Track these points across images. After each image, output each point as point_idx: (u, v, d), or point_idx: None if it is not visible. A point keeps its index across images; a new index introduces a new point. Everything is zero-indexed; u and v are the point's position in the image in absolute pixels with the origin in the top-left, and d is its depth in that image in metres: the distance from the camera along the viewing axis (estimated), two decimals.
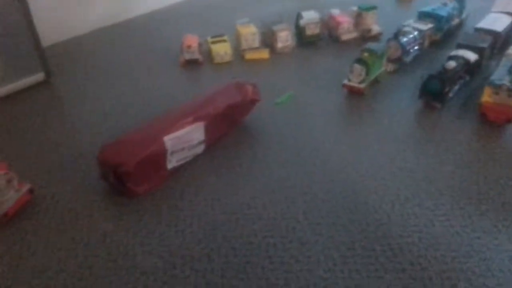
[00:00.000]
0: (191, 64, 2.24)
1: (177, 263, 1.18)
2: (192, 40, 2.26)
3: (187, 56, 2.23)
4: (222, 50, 2.25)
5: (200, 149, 1.55)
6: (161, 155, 1.41)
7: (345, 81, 1.89)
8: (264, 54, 2.29)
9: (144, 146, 1.37)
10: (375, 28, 2.43)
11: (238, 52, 2.33)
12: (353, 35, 2.41)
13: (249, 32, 2.30)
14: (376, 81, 1.95)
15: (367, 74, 1.84)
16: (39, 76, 2.08)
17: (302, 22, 2.35)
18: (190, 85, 2.14)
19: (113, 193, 1.41)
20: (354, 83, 1.86)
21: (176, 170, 1.49)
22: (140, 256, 1.20)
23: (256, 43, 2.33)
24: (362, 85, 1.85)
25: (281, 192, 1.40)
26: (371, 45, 1.96)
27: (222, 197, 1.39)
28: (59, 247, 1.24)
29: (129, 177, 1.34)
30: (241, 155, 1.58)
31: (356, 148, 1.58)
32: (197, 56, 2.24)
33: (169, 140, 1.41)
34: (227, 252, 1.20)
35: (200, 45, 2.29)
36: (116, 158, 1.33)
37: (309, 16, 2.36)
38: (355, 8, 2.44)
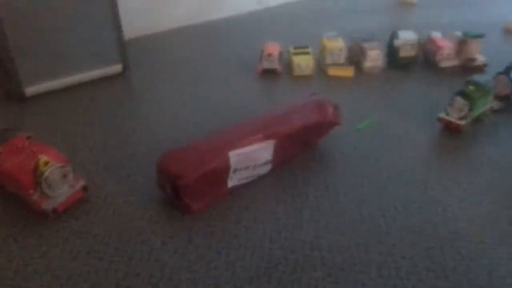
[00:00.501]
0: (269, 74, 2.10)
1: None
2: (273, 48, 2.13)
3: (266, 65, 2.10)
4: (304, 62, 2.09)
5: (266, 169, 1.40)
6: (223, 171, 1.27)
7: (442, 115, 1.64)
8: (349, 72, 2.10)
9: (207, 160, 1.24)
10: (480, 58, 2.14)
11: (321, 66, 2.16)
12: (454, 62, 2.13)
13: (336, 47, 2.12)
14: (478, 120, 1.67)
15: (470, 110, 1.58)
16: (117, 68, 2.06)
17: (397, 42, 2.12)
18: (265, 96, 2.00)
19: (167, 205, 1.30)
20: (453, 118, 1.61)
21: (236, 189, 1.35)
22: (183, 285, 1.06)
23: (342, 59, 2.14)
24: (462, 122, 1.59)
25: (352, 236, 1.20)
26: (478, 77, 1.70)
27: (283, 229, 1.22)
28: (100, 257, 1.14)
29: (186, 191, 1.21)
30: (310, 183, 1.40)
31: (448, 196, 1.34)
32: (276, 65, 2.10)
33: (234, 156, 1.27)
34: None
35: (281, 54, 2.15)
36: (176, 169, 1.21)
37: (406, 36, 2.13)
38: (459, 34, 2.16)
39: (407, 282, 1.06)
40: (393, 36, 2.15)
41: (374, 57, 2.10)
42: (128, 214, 1.27)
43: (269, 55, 2.08)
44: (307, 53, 2.13)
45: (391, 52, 2.15)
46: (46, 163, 1.21)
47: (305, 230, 1.22)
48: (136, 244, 1.17)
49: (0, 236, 1.19)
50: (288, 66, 2.15)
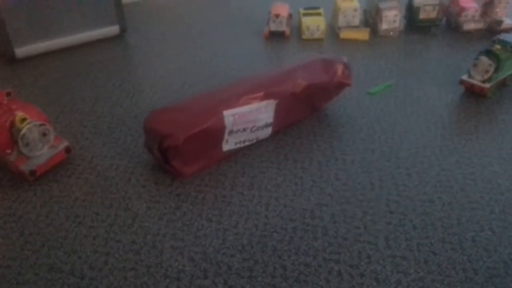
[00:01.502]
0: (276, 36, 1.95)
1: (209, 272, 0.91)
2: (281, 9, 1.97)
3: (273, 27, 1.95)
4: (314, 24, 1.92)
5: (266, 133, 1.27)
6: (217, 132, 1.15)
7: (465, 77, 1.48)
8: (364, 34, 1.93)
9: (199, 119, 1.11)
10: (507, 21, 1.95)
11: (333, 29, 2.00)
12: (479, 25, 1.95)
13: (350, 7, 1.95)
14: (504, 84, 1.50)
15: (496, 71, 1.41)
16: (114, 29, 1.94)
17: (416, 2, 1.94)
18: (271, 59, 1.85)
19: (156, 169, 1.19)
20: (476, 81, 1.45)
21: (233, 154, 1.23)
22: (167, 253, 0.95)
23: (356, 21, 1.97)
24: (487, 85, 1.43)
25: (358, 205, 1.07)
26: (506, 36, 1.52)
27: (281, 196, 1.10)
28: (79, 222, 1.04)
29: (176, 152, 1.10)
30: (315, 149, 1.27)
31: (468, 164, 1.19)
32: (284, 28, 1.94)
33: (230, 115, 1.14)
34: (274, 270, 0.91)
35: (290, 16, 1.99)
36: (163, 128, 1.09)
37: None
38: None
39: (418, 255, 0.94)
40: None
41: (391, 19, 1.92)
42: (112, 178, 1.17)
43: (277, 15, 1.93)
44: (319, 14, 1.97)
45: (410, 14, 1.98)
46: (23, 120, 1.11)
47: (306, 198, 1.09)
48: (119, 209, 1.07)
49: None
50: (298, 29, 2.00)
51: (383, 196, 1.09)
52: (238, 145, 1.22)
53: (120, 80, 1.65)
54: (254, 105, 1.19)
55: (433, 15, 1.95)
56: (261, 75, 1.30)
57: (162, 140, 1.09)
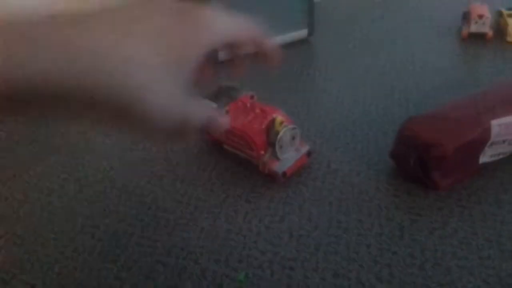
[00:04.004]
0: (475, 38, 1.81)
1: None
2: (483, 10, 1.82)
3: (474, 28, 1.81)
4: None
5: None
6: (481, 143, 1.06)
7: None
8: None
9: (466, 128, 1.04)
10: None
11: None
12: None
13: None
14: None
15: None
16: (302, 33, 1.95)
17: None
18: (474, 62, 1.72)
19: (400, 177, 1.14)
20: None
21: (485, 167, 1.14)
22: (456, 272, 0.90)
23: None
24: None
25: None
26: None
27: None
28: (345, 227, 1.02)
29: (440, 163, 1.04)
30: None
31: None
32: (486, 29, 1.80)
33: (497, 125, 1.05)
34: None
35: (490, 17, 1.84)
36: (431, 136, 1.03)
37: None
38: None
39: None
40: None
41: None
42: (359, 185, 1.14)
43: (480, 16, 1.79)
44: None
45: None
46: (281, 123, 1.13)
47: None
48: (381, 218, 1.04)
49: (231, 196, 1.14)
50: (498, 31, 1.84)
51: None
52: (493, 158, 1.13)
53: (312, 86, 1.64)
54: None
55: None
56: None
57: (427, 149, 1.03)
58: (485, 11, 1.82)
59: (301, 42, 1.95)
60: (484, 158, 1.11)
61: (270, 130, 1.13)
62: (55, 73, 0.40)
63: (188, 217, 1.08)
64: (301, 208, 1.09)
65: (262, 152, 1.14)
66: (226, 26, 0.56)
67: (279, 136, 1.11)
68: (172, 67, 0.47)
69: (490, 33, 1.80)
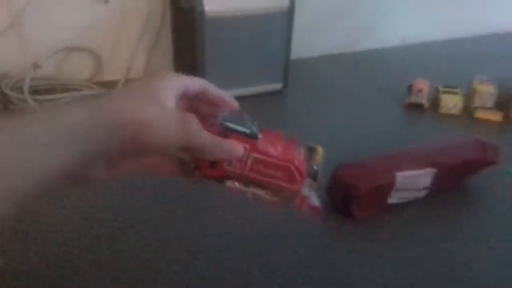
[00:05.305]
0: (415, 107, 2.24)
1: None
2: (423, 85, 2.26)
3: (414, 99, 2.24)
4: (452, 101, 2.19)
5: (421, 194, 1.54)
6: (389, 189, 1.44)
7: None
8: (497, 116, 2.15)
9: (378, 177, 1.42)
10: None
11: (468, 109, 2.24)
12: None
13: (487, 91, 2.19)
14: None
15: None
16: (278, 86, 2.35)
17: None
18: (411, 127, 2.14)
19: (331, 209, 1.50)
20: None
21: (394, 206, 1.51)
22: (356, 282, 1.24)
23: (491, 104, 2.20)
24: None
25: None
26: None
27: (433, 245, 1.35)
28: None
29: (358, 200, 1.40)
30: (461, 213, 1.51)
31: None
32: (424, 101, 2.23)
33: (401, 177, 1.44)
34: None
35: (429, 91, 2.28)
36: (351, 179, 1.41)
37: None
38: None
39: None
40: None
41: None
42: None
43: (419, 90, 2.22)
44: (456, 94, 2.23)
45: None
46: (322, 155, 0.89)
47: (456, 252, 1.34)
48: (311, 240, 1.39)
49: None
50: (434, 103, 2.27)
51: None
52: (400, 200, 1.50)
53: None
54: (418, 171, 1.47)
55: None
56: (425, 147, 1.59)
57: (348, 189, 1.40)
58: (424, 86, 2.25)
59: (276, 93, 2.36)
60: (392, 200, 1.48)
61: (309, 161, 0.83)
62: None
63: None
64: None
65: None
66: (184, 80, 0.67)
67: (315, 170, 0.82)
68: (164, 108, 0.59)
69: (427, 104, 2.23)
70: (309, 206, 0.80)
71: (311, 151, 0.85)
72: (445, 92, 2.25)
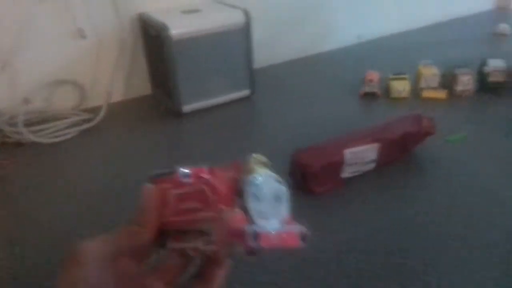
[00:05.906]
0: (369, 96, 2.50)
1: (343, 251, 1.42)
2: (374, 76, 2.53)
3: (367, 89, 2.50)
4: (401, 86, 2.45)
5: (371, 167, 1.79)
6: (340, 164, 1.69)
7: None
8: (442, 94, 2.42)
9: (329, 155, 1.67)
10: None
11: (416, 90, 2.50)
12: None
13: (430, 73, 2.46)
14: None
15: None
16: (245, 92, 2.60)
17: (486, 68, 2.40)
18: (366, 113, 2.40)
19: (295, 189, 1.74)
20: None
21: (349, 180, 1.75)
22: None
23: (435, 84, 2.47)
24: None
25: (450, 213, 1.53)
26: None
27: (385, 209, 1.60)
28: None
29: (313, 177, 1.65)
30: (408, 179, 1.76)
31: None
32: (376, 89, 2.49)
33: (348, 153, 1.68)
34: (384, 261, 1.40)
35: (380, 80, 2.54)
36: (306, 159, 1.66)
37: (496, 64, 2.40)
38: None
39: None
40: (483, 63, 2.43)
41: (466, 82, 2.40)
42: None
43: (371, 80, 2.49)
44: (404, 79, 2.50)
45: (481, 78, 2.43)
46: (264, 163, 0.51)
47: (404, 210, 1.58)
48: None
49: None
50: (387, 90, 2.53)
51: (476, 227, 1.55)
52: (352, 174, 1.75)
53: (253, 133, 2.27)
54: (364, 147, 1.72)
55: (501, 79, 2.39)
56: (370, 127, 1.84)
57: (304, 168, 1.65)
58: (374, 76, 2.52)
59: (245, 99, 2.61)
60: (345, 174, 1.73)
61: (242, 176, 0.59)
62: None
63: None
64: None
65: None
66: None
67: (253, 178, 0.54)
68: None
69: (378, 92, 2.50)
70: (231, 231, 0.46)
71: (255, 162, 0.57)
72: (394, 79, 2.52)
